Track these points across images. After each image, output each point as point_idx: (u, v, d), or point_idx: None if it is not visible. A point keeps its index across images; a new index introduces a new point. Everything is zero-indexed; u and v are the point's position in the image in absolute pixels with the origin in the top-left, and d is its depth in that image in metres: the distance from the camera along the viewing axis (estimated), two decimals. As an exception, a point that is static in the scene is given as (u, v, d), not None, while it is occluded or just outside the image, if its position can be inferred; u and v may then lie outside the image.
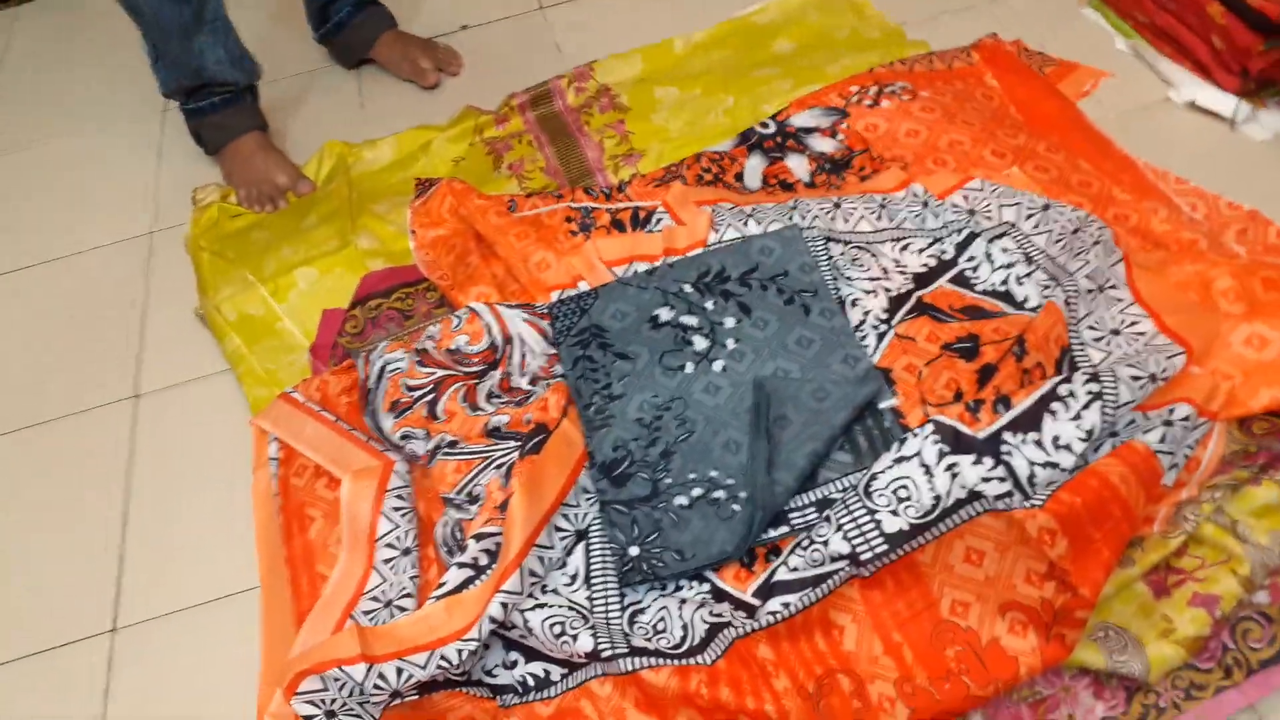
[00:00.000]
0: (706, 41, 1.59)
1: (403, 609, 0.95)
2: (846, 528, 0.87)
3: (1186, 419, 0.91)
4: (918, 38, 1.52)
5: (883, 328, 1.09)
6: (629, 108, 1.48)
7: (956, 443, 0.88)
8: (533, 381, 1.10)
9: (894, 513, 0.87)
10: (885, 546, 0.86)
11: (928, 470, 0.87)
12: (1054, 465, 0.86)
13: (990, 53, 1.46)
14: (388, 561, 0.99)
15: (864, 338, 1.09)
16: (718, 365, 1.06)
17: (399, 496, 1.04)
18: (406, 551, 1.00)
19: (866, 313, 1.10)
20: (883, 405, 1.02)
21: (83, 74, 1.81)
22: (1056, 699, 0.86)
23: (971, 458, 0.86)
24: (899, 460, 0.90)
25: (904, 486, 0.88)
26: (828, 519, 0.90)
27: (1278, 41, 1.27)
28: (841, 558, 0.87)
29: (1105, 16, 1.49)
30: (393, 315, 1.26)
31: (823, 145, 1.35)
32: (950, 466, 0.87)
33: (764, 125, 1.39)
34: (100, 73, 1.79)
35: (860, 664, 0.85)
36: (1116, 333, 1.01)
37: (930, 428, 0.90)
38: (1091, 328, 1.01)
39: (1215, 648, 0.87)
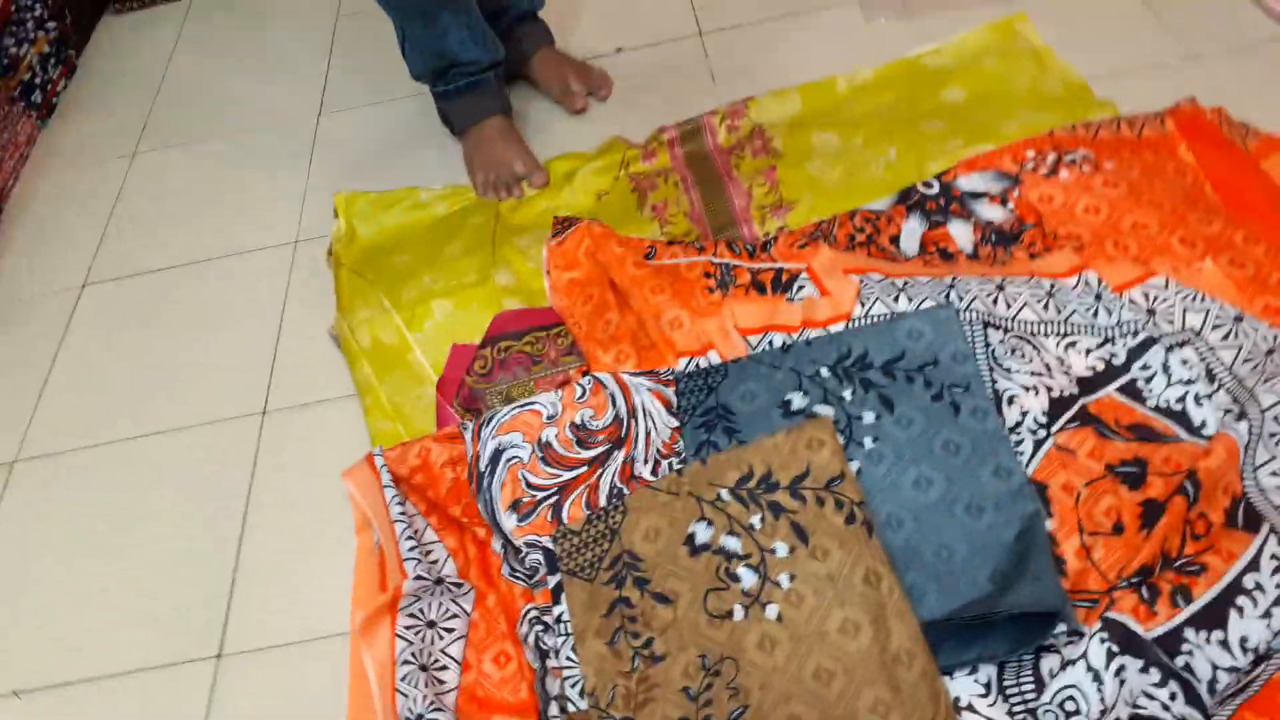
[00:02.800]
0: (872, 83, 1.50)
1: None
2: None
3: None
4: (1105, 96, 1.39)
5: (1041, 433, 1.00)
6: (783, 153, 1.40)
7: (1127, 643, 0.79)
8: (655, 466, 1.05)
9: None
10: None
11: (1097, 676, 0.78)
12: (1239, 670, 0.76)
13: (1187, 121, 1.32)
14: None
15: (1020, 441, 1.00)
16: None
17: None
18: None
19: (1025, 413, 1.01)
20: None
21: (244, 74, 1.83)
22: None
23: (1140, 663, 0.78)
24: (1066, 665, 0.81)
25: (1071, 699, 0.79)
26: None
27: None
28: None
29: (1325, 87, 1.34)
30: (521, 359, 1.23)
31: (991, 213, 1.26)
32: (1119, 670, 0.77)
33: (927, 185, 1.30)
34: (261, 74, 1.82)
35: None
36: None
37: (1098, 625, 0.81)
38: (1275, 474, 0.90)
39: None
